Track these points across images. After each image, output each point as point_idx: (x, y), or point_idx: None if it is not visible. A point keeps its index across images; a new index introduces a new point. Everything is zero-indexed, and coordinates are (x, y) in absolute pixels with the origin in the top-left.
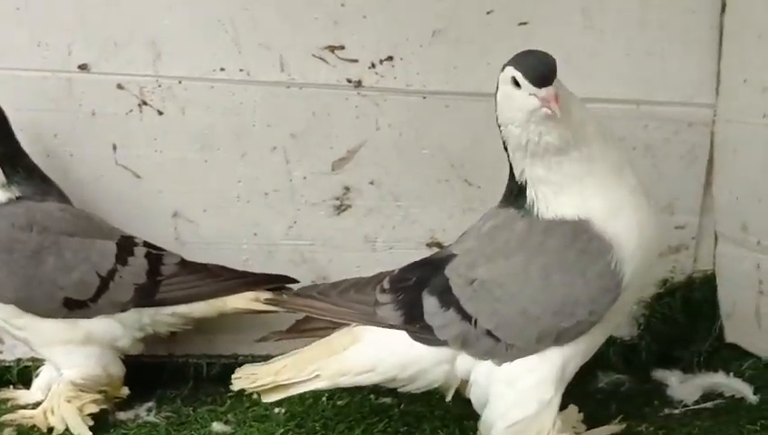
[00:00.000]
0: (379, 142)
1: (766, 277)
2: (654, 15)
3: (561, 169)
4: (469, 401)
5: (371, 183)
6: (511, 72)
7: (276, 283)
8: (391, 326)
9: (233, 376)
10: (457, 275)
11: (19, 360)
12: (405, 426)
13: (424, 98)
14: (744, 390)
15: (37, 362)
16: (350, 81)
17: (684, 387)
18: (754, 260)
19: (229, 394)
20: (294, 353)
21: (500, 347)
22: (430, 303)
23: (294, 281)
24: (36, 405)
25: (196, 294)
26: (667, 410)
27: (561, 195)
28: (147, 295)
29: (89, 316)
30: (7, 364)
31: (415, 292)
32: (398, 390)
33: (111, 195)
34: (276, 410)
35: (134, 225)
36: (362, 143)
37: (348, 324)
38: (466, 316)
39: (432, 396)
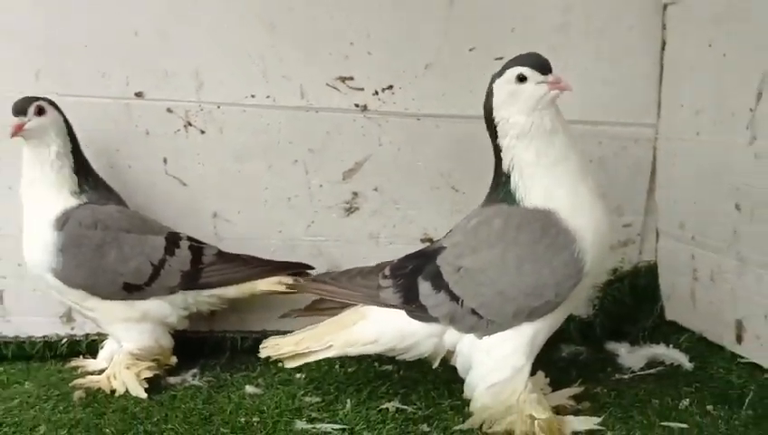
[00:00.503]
0: (382, 156)
1: (699, 266)
2: (606, 52)
3: (551, 150)
4: (455, 368)
5: (375, 190)
6: (516, 70)
7: (296, 269)
8: (391, 306)
9: (261, 346)
10: (447, 264)
11: (87, 335)
12: (404, 388)
13: (418, 120)
14: (680, 359)
15: (102, 337)
16: (357, 105)
17: (631, 357)
18: (689, 252)
19: (259, 363)
20: (311, 328)
21: (482, 323)
22: (424, 286)
23: (311, 268)
24: (101, 372)
25: (231, 278)
26: (618, 376)
27: (539, 180)
28: (191, 280)
29: (144, 298)
30: (78, 339)
31: (411, 278)
32: (396, 358)
33: (162, 199)
34: (298, 375)
35: (181, 223)
36: (367, 157)
37: (355, 305)
38: (454, 297)
39: (425, 364)
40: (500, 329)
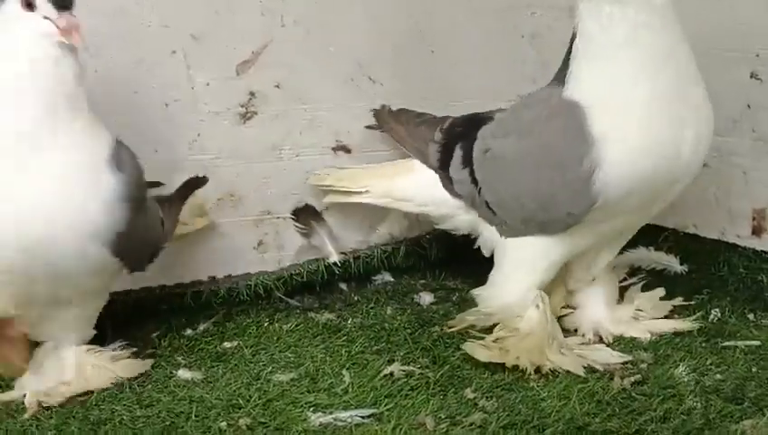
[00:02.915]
0: (285, 42)
1: None
2: None
3: (620, 26)
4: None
5: (277, 86)
6: None
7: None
8: (431, 166)
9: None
10: (482, 139)
11: None
12: (376, 343)
13: None
14: (668, 262)
15: None
16: None
17: None
18: None
19: (156, 334)
20: (358, 168)
21: (497, 220)
22: (457, 156)
23: (205, 179)
24: None
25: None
26: None
27: (589, 62)
28: None
29: None
30: None
31: (455, 142)
32: (435, 226)
33: None
34: (227, 344)
35: None
36: (267, 43)
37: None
38: (474, 181)
39: (371, 308)
40: (513, 233)
